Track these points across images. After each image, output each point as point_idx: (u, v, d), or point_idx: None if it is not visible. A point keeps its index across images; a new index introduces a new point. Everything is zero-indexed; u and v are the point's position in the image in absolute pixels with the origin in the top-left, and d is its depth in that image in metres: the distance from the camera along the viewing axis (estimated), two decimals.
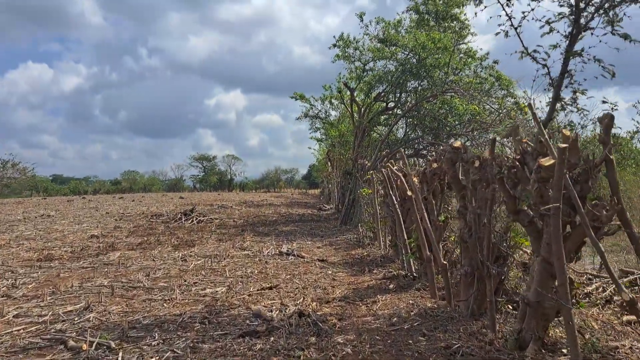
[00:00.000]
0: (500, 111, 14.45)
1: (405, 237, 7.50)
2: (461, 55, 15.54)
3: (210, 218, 18.39)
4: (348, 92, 18.92)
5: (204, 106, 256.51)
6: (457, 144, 4.77)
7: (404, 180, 6.49)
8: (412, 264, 7.16)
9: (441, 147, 6.95)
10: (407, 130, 16.98)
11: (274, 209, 24.81)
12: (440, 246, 6.48)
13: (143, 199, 38.63)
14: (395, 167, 8.76)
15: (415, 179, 6.57)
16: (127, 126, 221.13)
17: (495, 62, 16.97)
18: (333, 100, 28.77)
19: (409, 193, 6.13)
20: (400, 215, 7.60)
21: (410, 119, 16.11)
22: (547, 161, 3.25)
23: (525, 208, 3.86)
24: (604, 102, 8.69)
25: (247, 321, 5.04)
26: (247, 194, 64.45)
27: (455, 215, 7.00)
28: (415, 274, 6.84)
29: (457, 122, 15.08)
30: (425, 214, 6.23)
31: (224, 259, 9.38)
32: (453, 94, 14.84)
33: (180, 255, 9.82)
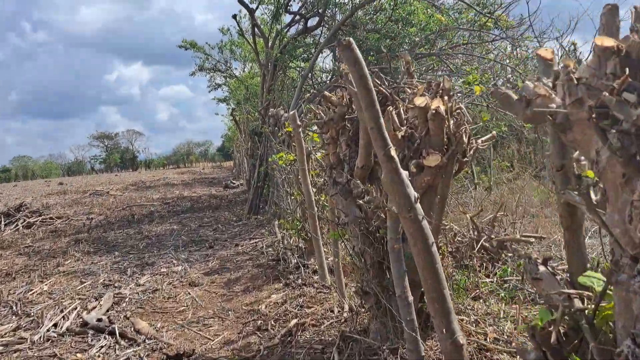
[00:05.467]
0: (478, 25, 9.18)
1: (443, 288, 1.95)
2: None
3: (51, 217, 11.87)
4: (248, 20, 12.80)
5: (104, 82, 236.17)
6: None
7: None
8: None
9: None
10: (337, 61, 11.34)
11: (165, 192, 18.47)
12: None
13: (7, 190, 30.29)
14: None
15: None
16: (20, 108, 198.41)
17: None
18: (234, 48, 22.73)
19: None
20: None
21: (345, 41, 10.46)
22: None
23: None
24: None
25: None
26: (152, 172, 56.56)
27: None
28: None
29: (418, 37, 9.61)
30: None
31: None
32: None
33: None
